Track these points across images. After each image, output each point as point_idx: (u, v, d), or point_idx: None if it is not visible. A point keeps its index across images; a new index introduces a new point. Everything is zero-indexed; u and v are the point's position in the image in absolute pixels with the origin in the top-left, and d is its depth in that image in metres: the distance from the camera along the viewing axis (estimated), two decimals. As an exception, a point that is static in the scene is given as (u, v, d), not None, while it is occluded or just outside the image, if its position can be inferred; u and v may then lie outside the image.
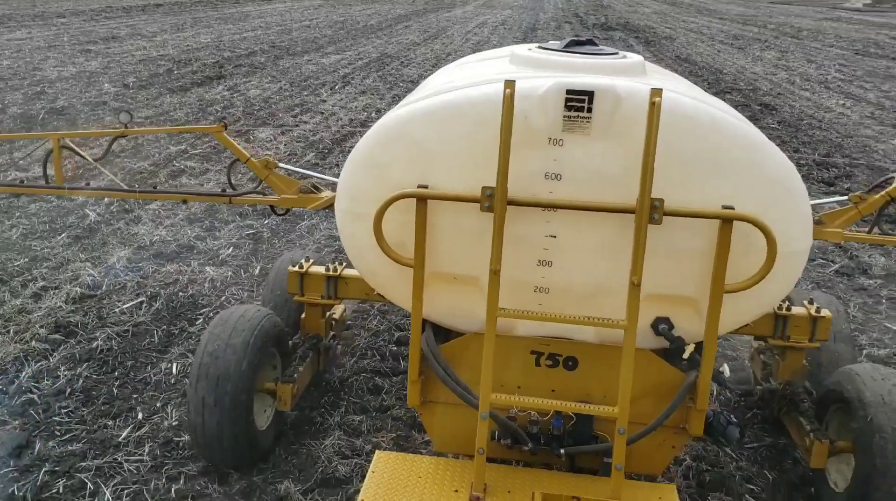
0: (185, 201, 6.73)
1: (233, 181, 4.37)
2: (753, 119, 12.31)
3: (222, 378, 3.31)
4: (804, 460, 3.47)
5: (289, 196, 4.06)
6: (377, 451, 3.08)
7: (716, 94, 14.70)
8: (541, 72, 2.87)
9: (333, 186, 3.54)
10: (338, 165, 8.75)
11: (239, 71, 15.79)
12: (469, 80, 2.98)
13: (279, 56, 18.36)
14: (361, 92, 14.00)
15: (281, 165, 4.13)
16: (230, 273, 5.86)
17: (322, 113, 11.97)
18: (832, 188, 8.81)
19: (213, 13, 29.90)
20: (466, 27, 28.68)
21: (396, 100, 12.72)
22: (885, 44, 27.26)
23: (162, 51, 18.25)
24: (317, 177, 4.47)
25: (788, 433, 3.74)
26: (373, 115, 11.78)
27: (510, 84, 2.49)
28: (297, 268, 3.92)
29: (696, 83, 15.83)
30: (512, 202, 2.59)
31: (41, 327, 4.86)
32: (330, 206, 3.85)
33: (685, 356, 3.01)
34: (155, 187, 5.90)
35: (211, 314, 5.13)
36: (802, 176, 8.12)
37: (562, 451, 2.93)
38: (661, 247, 2.68)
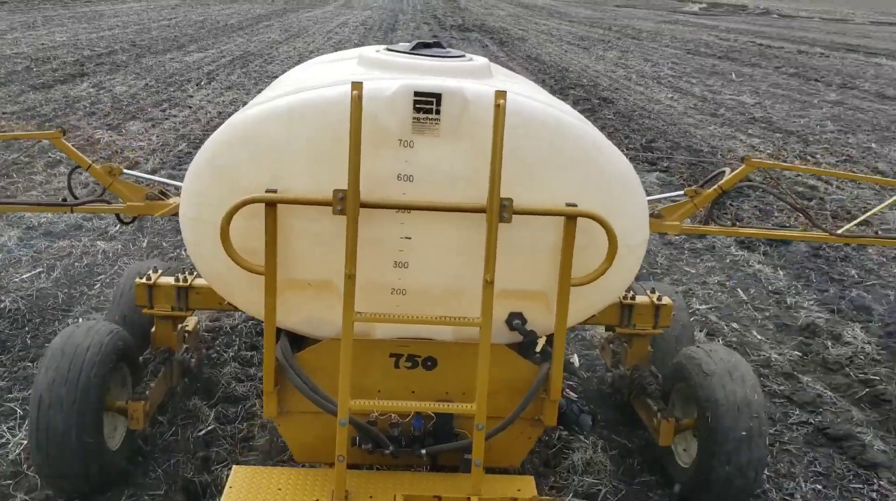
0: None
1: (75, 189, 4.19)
2: (592, 112, 13.77)
3: (67, 399, 3.08)
4: (654, 439, 3.62)
5: (135, 203, 3.94)
6: (234, 466, 3.08)
7: (561, 90, 16.15)
8: (389, 74, 2.89)
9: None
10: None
11: (101, 69, 15.81)
12: (318, 81, 2.97)
13: (141, 54, 18.38)
14: (227, 87, 14.45)
15: (126, 171, 4.04)
16: (120, 246, 6.38)
17: (190, 107, 12.37)
18: (654, 167, 10.14)
19: (64, 12, 29.04)
20: (327, 27, 29.25)
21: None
22: (713, 44, 29.94)
23: (16, 49, 17.89)
24: (164, 182, 4.36)
25: (639, 416, 3.89)
26: (235, 110, 12.28)
27: (357, 86, 2.49)
28: (144, 280, 3.74)
29: (543, 80, 17.35)
30: (364, 205, 2.57)
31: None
32: (178, 213, 3.70)
33: (538, 349, 3.08)
34: None
35: (108, 281, 5.67)
36: (630, 158, 9.45)
37: (423, 451, 2.96)
38: (511, 245, 2.74)
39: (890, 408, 4.56)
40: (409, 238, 2.79)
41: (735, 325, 5.55)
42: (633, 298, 3.79)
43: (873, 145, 12.30)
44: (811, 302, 6.06)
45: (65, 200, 4.11)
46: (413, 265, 2.83)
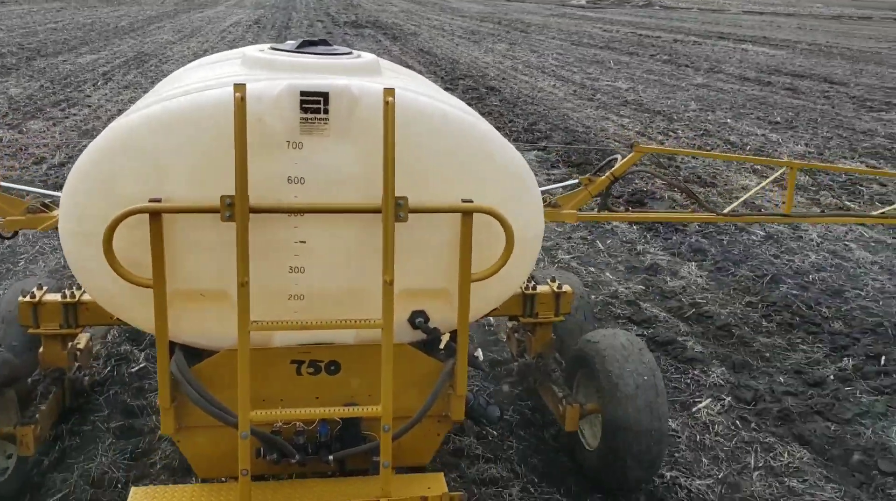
0: None
1: None
2: (480, 100, 14.72)
3: None
4: (560, 425, 3.66)
5: (15, 218, 3.77)
6: (132, 487, 2.95)
7: (451, 80, 17.07)
8: (274, 74, 2.82)
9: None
10: None
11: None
12: (199, 84, 2.86)
13: (31, 57, 18.30)
14: (125, 87, 14.72)
15: (3, 184, 3.90)
16: None
17: (90, 106, 12.66)
18: (534, 146, 11.13)
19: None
20: (221, 26, 29.35)
21: (161, 93, 13.69)
22: (596, 35, 31.55)
23: None
24: (46, 194, 4.20)
25: (545, 403, 3.96)
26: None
27: (240, 88, 2.40)
28: (28, 298, 3.61)
29: (435, 73, 18.31)
30: (254, 210, 2.50)
31: None
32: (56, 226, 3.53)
33: (442, 346, 3.10)
34: None
35: None
36: (513, 140, 10.32)
37: (330, 457, 2.93)
38: (409, 243, 2.73)
39: (710, 322, 5.59)
40: (304, 242, 2.74)
41: (592, 268, 6.52)
42: (534, 288, 3.89)
43: (728, 121, 13.69)
44: (657, 248, 7.11)
45: None
46: (310, 270, 2.77)
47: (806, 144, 11.92)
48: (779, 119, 14.00)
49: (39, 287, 3.71)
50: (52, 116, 11.72)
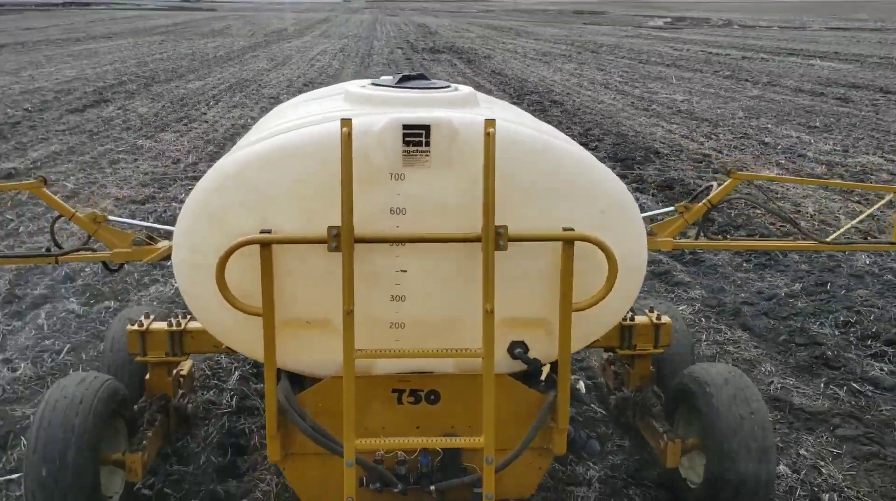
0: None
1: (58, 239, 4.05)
2: (543, 111, 16.39)
3: (62, 456, 3.03)
4: (661, 461, 3.58)
5: (122, 250, 3.88)
6: None
7: (518, 96, 18.78)
8: (376, 108, 2.89)
9: (169, 236, 3.53)
10: None
11: (119, 95, 18.27)
12: (304, 120, 2.97)
13: (148, 83, 20.85)
14: (233, 106, 16.94)
15: (112, 218, 4.01)
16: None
17: (206, 121, 14.85)
18: (586, 147, 12.64)
19: (61, 51, 31.36)
20: (309, 55, 31.80)
21: (265, 110, 15.81)
22: (665, 54, 32.79)
23: (35, 84, 20.25)
24: (151, 227, 4.33)
25: (644, 438, 3.85)
26: (248, 121, 14.77)
27: (346, 123, 2.50)
28: (136, 326, 3.73)
29: (503, 90, 20.15)
30: (359, 240, 2.58)
31: None
32: (167, 257, 3.64)
33: (542, 377, 3.08)
34: None
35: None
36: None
37: (432, 488, 2.93)
38: (509, 272, 2.74)
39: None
40: (405, 271, 2.78)
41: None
42: (632, 318, 3.80)
43: (769, 126, 14.94)
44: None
45: (48, 250, 3.96)
46: (410, 298, 2.82)
47: (834, 144, 13.12)
48: (817, 124, 15.18)
49: (146, 316, 3.83)
50: (177, 129, 13.92)
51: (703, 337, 5.65)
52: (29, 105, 16.43)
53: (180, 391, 4.06)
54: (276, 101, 17.68)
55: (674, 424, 3.65)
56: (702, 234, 4.27)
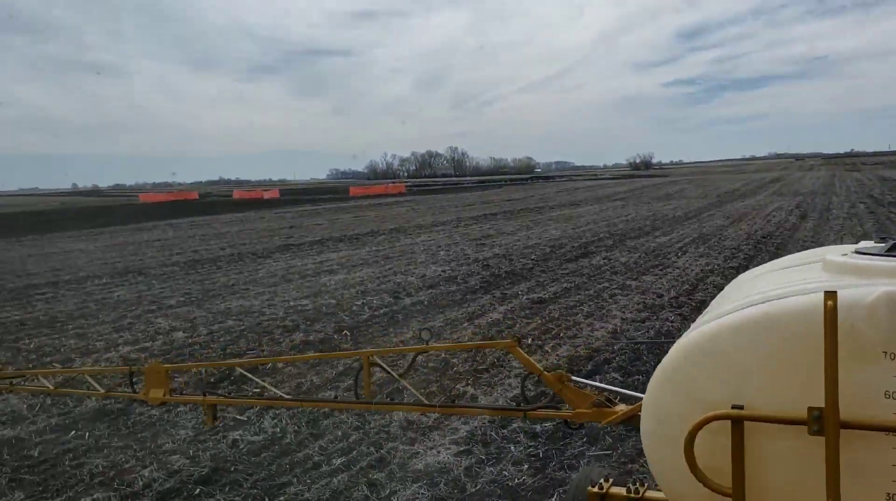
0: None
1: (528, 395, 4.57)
2: None
3: None
4: None
5: (583, 411, 4.03)
6: None
7: None
8: (863, 280, 2.64)
9: (628, 400, 3.73)
10: (703, 301, 13.31)
11: (600, 249, 21.74)
12: (779, 290, 2.78)
13: (622, 239, 24.23)
14: (699, 256, 19.14)
15: (575, 378, 4.20)
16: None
17: (679, 267, 17.22)
18: None
19: (541, 216, 37.18)
20: (764, 212, 33.10)
21: (727, 260, 17.79)
22: None
23: (532, 241, 24.92)
24: (610, 389, 4.44)
25: None
26: (714, 267, 16.78)
27: (831, 295, 2.34)
28: (596, 488, 3.83)
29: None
30: (845, 425, 2.35)
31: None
32: (624, 421, 3.75)
33: None
34: (454, 401, 6.15)
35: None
36: None
37: None
38: None
39: None
40: None
41: None
42: None
43: None
44: None
45: (519, 404, 4.35)
46: None
47: None
48: None
49: (606, 479, 3.91)
50: (655, 273, 16.49)
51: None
52: (534, 256, 20.60)
53: None
54: (737, 251, 19.58)
55: None
56: None
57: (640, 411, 3.07)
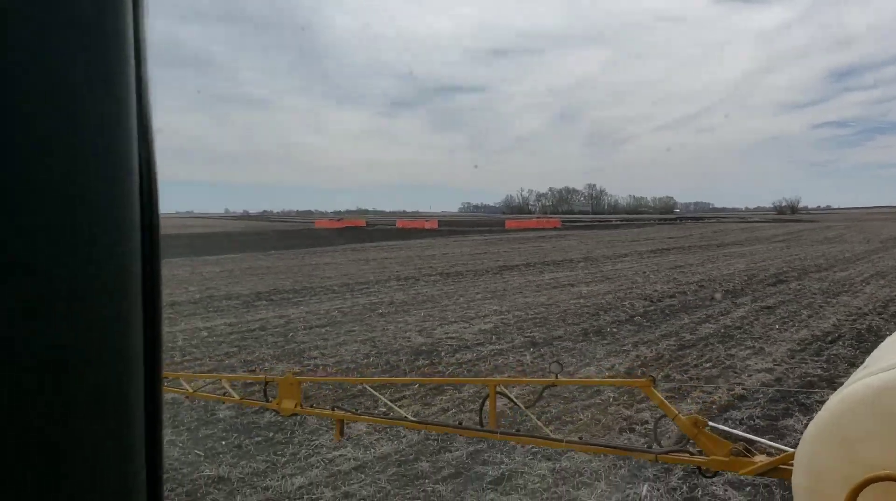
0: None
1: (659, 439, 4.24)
2: None
3: None
4: None
5: (718, 458, 3.86)
6: None
7: None
8: None
9: (768, 451, 3.69)
10: (895, 313, 18.02)
11: (790, 278, 26.18)
12: None
13: (805, 272, 28.48)
14: (882, 286, 23.34)
15: (711, 424, 4.03)
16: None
17: (866, 293, 21.57)
18: None
19: (718, 252, 41.37)
20: (932, 257, 36.21)
21: (908, 289, 21.96)
22: None
23: (724, 271, 29.49)
24: (751, 439, 4.12)
25: None
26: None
27: None
28: None
29: None
30: None
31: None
32: (764, 473, 3.58)
33: None
34: (580, 438, 5.95)
35: None
36: None
37: None
38: None
39: None
40: None
41: None
42: None
43: None
44: None
45: (650, 446, 4.24)
46: None
47: None
48: None
49: None
50: (849, 295, 21.03)
51: None
52: (736, 281, 25.38)
53: None
54: (914, 284, 23.64)
55: None
56: None
57: (781, 463, 3.15)
